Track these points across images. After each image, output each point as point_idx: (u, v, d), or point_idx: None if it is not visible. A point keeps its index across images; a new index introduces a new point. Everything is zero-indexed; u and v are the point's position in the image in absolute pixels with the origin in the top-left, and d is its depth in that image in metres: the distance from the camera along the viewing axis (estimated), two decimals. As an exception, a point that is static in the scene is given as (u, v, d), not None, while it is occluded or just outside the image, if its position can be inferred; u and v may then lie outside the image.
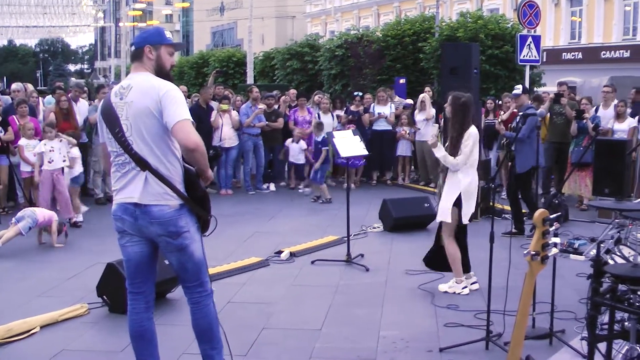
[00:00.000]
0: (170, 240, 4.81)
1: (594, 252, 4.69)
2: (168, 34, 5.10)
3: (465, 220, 7.69)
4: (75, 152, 11.96)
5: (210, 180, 5.01)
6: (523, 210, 10.82)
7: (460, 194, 7.62)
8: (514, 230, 10.15)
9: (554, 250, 4.35)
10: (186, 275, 5.00)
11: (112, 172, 4.93)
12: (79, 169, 12.10)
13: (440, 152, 7.70)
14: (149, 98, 4.69)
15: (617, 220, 6.60)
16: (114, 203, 4.93)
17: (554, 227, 4.29)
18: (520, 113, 10.37)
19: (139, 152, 4.72)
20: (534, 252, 4.16)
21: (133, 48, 4.99)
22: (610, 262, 5.55)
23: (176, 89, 4.82)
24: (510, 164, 11.50)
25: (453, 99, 7.81)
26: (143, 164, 4.72)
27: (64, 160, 11.40)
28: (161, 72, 4.94)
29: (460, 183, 7.64)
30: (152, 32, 5.06)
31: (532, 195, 10.56)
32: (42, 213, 10.05)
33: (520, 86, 10.76)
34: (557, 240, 4.40)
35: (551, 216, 4.22)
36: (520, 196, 10.73)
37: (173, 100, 4.68)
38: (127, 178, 4.80)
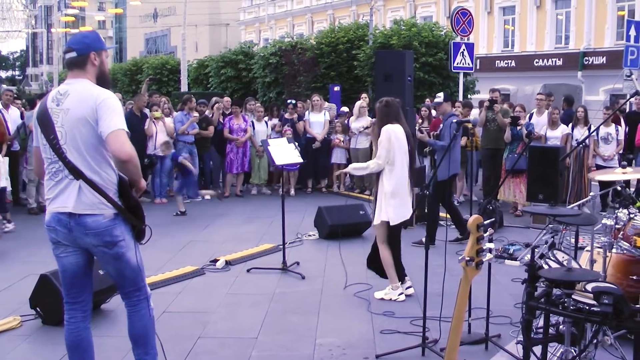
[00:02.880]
0: (106, 250, 4.74)
1: (528, 257, 4.74)
2: (102, 38, 5.02)
3: (392, 222, 7.71)
4: None
5: (143, 190, 4.94)
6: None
7: (388, 196, 7.66)
8: (459, 237, 10.27)
9: (489, 256, 4.38)
10: (124, 282, 4.94)
11: (45, 180, 4.83)
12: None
13: (362, 167, 7.90)
14: (86, 106, 4.60)
15: (550, 226, 6.69)
16: (47, 213, 4.82)
17: (488, 233, 4.32)
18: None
19: (73, 160, 4.62)
20: (468, 258, 4.18)
21: (74, 54, 4.81)
22: (545, 266, 5.62)
23: (114, 97, 4.73)
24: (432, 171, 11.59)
25: (377, 104, 7.95)
26: (77, 173, 4.62)
27: None
28: (103, 77, 4.88)
29: (384, 186, 7.69)
30: (94, 38, 4.96)
31: (453, 203, 10.68)
32: None
33: (441, 94, 10.82)
34: (491, 245, 4.43)
35: (485, 222, 4.25)
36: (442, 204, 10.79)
37: (109, 110, 4.59)
38: (61, 187, 4.70)
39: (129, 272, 4.88)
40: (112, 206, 4.70)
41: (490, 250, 4.40)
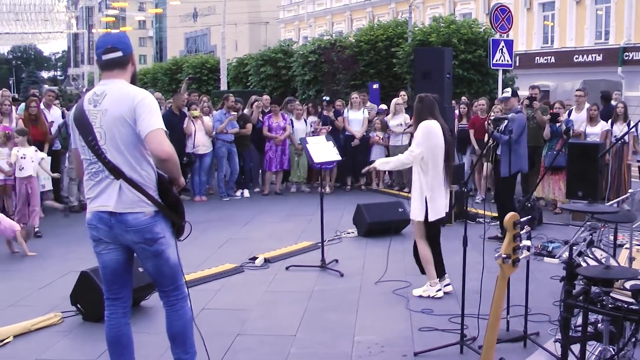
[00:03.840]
0: (146, 247, 4.80)
1: (566, 254, 4.72)
2: None
3: (430, 218, 7.71)
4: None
5: (182, 187, 4.99)
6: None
7: (424, 193, 7.67)
8: (499, 235, 10.18)
9: (525, 253, 4.37)
10: (163, 280, 5.00)
11: (85, 180, 4.88)
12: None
13: (388, 161, 7.89)
14: (124, 106, 4.65)
15: (588, 223, 6.63)
16: (88, 211, 4.89)
17: (524, 231, 4.31)
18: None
19: (113, 160, 4.68)
20: (505, 255, 4.17)
21: (119, 54, 4.84)
22: (583, 264, 5.58)
23: (151, 96, 4.78)
24: (493, 167, 11.48)
25: (415, 100, 7.96)
26: (117, 173, 4.69)
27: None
28: (135, 78, 4.95)
29: (420, 182, 7.70)
30: (128, 40, 5.04)
31: (513, 200, 10.57)
32: (3, 221, 9.93)
33: (509, 89, 10.73)
34: (528, 243, 4.41)
35: (522, 219, 4.24)
36: (501, 198, 10.69)
37: (147, 109, 4.65)
38: (101, 186, 4.77)
39: (167, 269, 4.94)
40: (152, 203, 4.76)
41: (527, 248, 4.39)
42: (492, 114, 13.69)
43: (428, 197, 7.65)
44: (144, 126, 4.59)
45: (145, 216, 4.74)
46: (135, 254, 5.01)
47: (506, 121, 9.79)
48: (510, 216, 4.13)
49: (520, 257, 4.21)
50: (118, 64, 4.86)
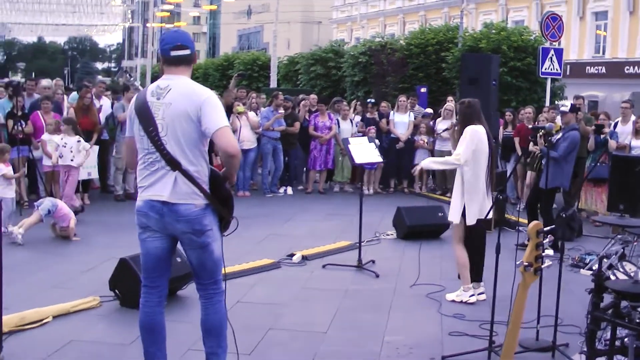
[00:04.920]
0: (194, 238, 4.94)
1: (596, 266, 4.74)
2: None
3: (469, 221, 7.75)
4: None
5: (233, 183, 5.14)
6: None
7: (464, 196, 7.71)
8: (527, 242, 10.13)
9: (548, 262, 4.40)
10: (204, 272, 5.11)
11: (139, 169, 5.02)
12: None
13: (439, 161, 7.88)
14: (189, 102, 4.81)
15: (619, 237, 6.63)
16: (139, 199, 5.02)
17: (547, 240, 4.35)
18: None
19: (172, 152, 4.83)
20: (526, 264, 4.21)
21: (188, 52, 5.03)
22: (612, 277, 5.59)
23: (215, 95, 4.96)
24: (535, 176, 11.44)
25: (459, 105, 8.02)
26: (174, 164, 4.83)
27: (72, 159, 11.66)
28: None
29: (462, 185, 7.74)
30: (193, 40, 5.22)
31: (552, 213, 10.51)
32: (63, 205, 10.27)
33: (569, 103, 10.63)
34: (550, 252, 4.46)
35: (545, 229, 4.28)
36: (539, 211, 10.67)
37: (214, 107, 4.81)
38: (156, 176, 4.91)
39: (210, 263, 5.06)
40: (204, 196, 4.90)
41: (549, 257, 4.42)
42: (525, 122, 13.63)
43: (467, 201, 7.69)
44: (213, 123, 4.76)
45: (196, 207, 4.88)
46: (179, 245, 5.15)
47: (560, 134, 9.78)
48: (533, 225, 4.17)
49: (543, 266, 4.25)
50: (185, 61, 5.03)
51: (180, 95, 4.85)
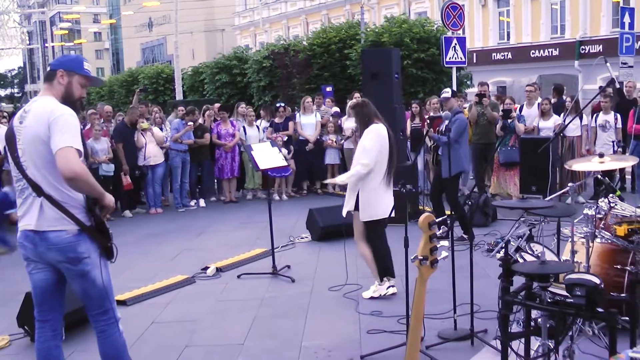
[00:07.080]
0: (70, 267, 4.71)
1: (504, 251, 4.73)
2: (87, 66, 4.97)
3: (362, 217, 7.74)
4: None
5: (111, 208, 4.88)
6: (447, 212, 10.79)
7: (363, 193, 7.69)
8: (463, 235, 10.13)
9: (444, 254, 4.35)
10: (90, 302, 4.87)
11: (16, 198, 4.81)
12: None
13: (349, 176, 7.81)
14: (41, 124, 4.57)
15: (522, 219, 6.67)
16: (18, 230, 4.82)
17: (440, 231, 4.29)
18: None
19: (32, 177, 4.62)
20: (421, 257, 4.15)
21: (48, 68, 4.90)
22: (520, 260, 5.60)
23: (70, 114, 4.65)
24: (435, 168, 11.49)
25: (351, 108, 7.97)
26: (38, 189, 4.62)
27: None
28: (68, 100, 4.81)
29: (362, 182, 7.72)
30: (71, 58, 4.96)
31: (459, 199, 10.55)
32: None
33: (449, 89, 10.69)
34: (445, 243, 4.41)
35: (437, 220, 4.23)
36: (447, 200, 10.67)
37: (61, 127, 4.53)
38: (27, 204, 4.71)
39: (94, 292, 4.81)
40: (74, 222, 4.66)
41: (445, 248, 4.37)
42: (431, 112, 13.74)
43: (367, 198, 7.68)
44: (54, 144, 4.49)
45: (67, 234, 4.64)
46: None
47: (446, 121, 9.86)
48: (424, 217, 4.12)
49: (439, 258, 4.19)
50: (46, 78, 4.86)
51: (34, 117, 4.64)
